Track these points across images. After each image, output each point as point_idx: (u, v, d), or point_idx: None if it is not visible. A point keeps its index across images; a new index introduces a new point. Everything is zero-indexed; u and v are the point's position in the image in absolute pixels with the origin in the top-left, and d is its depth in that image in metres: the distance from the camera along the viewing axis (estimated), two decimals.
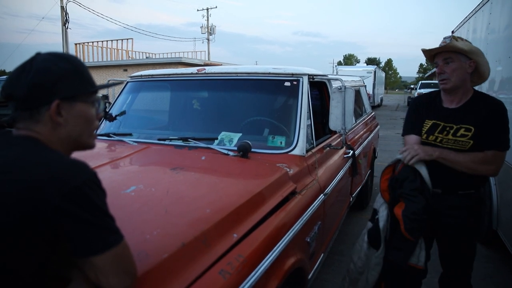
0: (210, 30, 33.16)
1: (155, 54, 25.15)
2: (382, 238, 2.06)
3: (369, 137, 4.73)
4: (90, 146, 1.13)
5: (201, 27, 33.36)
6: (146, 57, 23.65)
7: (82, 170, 0.95)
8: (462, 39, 2.02)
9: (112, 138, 2.65)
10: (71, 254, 0.94)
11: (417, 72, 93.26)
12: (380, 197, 2.14)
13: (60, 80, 1.00)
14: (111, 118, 2.84)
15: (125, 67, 19.99)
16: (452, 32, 7.81)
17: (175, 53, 24.61)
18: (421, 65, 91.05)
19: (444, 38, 2.04)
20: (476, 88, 2.21)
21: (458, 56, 1.98)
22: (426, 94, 2.28)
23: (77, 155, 1.09)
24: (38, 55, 1.03)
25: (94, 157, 2.12)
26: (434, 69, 2.14)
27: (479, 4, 5.14)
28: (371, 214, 2.22)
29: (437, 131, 2.06)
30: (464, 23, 6.35)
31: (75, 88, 1.04)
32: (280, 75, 2.59)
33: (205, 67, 2.86)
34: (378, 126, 5.89)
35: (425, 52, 2.13)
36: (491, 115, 1.95)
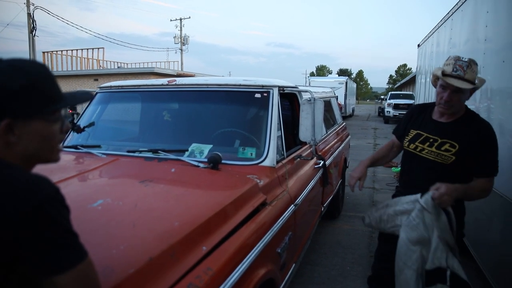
0: (184, 40, 33.08)
1: (127, 63, 24.90)
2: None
3: (340, 147, 4.83)
4: (53, 161, 1.07)
5: (175, 37, 33.23)
6: (118, 67, 23.33)
7: (43, 187, 0.90)
8: (475, 63, 1.97)
9: (80, 150, 2.59)
10: (32, 273, 0.91)
11: (387, 83, 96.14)
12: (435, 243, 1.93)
13: (12, 97, 0.91)
14: (79, 130, 2.78)
15: (96, 76, 19.63)
16: (418, 45, 8.14)
17: (147, 63, 24.46)
18: (390, 76, 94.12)
19: (461, 62, 1.95)
20: None
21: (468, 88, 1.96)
22: (421, 105, 2.35)
23: (42, 167, 1.04)
24: None
25: (61, 170, 2.07)
26: (408, 78, 2.19)
27: (441, 20, 5.40)
28: (428, 279, 1.95)
29: (418, 141, 2.13)
30: (429, 37, 6.64)
31: (29, 107, 0.95)
32: (250, 87, 2.62)
33: (175, 79, 2.86)
34: (349, 136, 6.02)
35: (445, 81, 1.98)
36: (484, 140, 2.00)
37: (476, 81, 1.98)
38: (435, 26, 5.94)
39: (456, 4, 4.45)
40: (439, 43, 5.65)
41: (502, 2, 2.88)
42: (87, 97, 1.19)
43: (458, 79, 1.93)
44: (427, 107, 2.25)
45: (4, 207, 0.84)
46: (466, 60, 1.95)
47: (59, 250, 0.89)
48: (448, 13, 4.93)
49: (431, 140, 2.08)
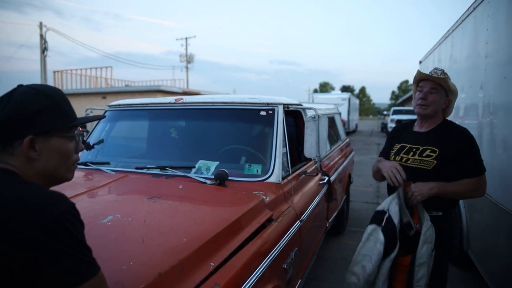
0: (189, 58, 33.56)
1: (134, 82, 25.21)
2: (398, 235, 2.09)
3: (344, 163, 4.85)
4: (67, 179, 1.13)
5: (180, 55, 33.73)
6: (125, 85, 23.65)
7: (60, 202, 0.95)
8: (448, 76, 2.22)
9: (90, 167, 2.64)
10: (46, 286, 0.94)
11: (389, 99, 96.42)
12: (391, 197, 2.19)
13: (35, 115, 1.01)
14: (88, 147, 2.84)
15: (104, 94, 19.89)
16: (420, 62, 8.22)
17: (154, 81, 24.78)
18: (393, 92, 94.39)
19: (436, 69, 2.24)
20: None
21: (442, 90, 2.21)
22: (403, 124, 2.50)
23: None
24: (19, 87, 1.04)
25: (71, 186, 2.11)
26: (410, 94, 2.31)
27: (442, 37, 5.47)
28: (373, 217, 2.23)
29: (402, 152, 2.27)
30: (430, 54, 6.71)
31: (50, 124, 1.04)
32: (256, 105, 2.68)
33: (182, 97, 2.92)
34: (353, 152, 6.04)
35: (420, 74, 2.27)
36: (463, 143, 2.14)
37: (454, 88, 2.20)
38: (436, 43, 6.02)
39: (456, 21, 4.52)
40: (440, 59, 5.71)
41: (501, 20, 2.93)
42: (99, 117, 1.28)
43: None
44: (408, 124, 2.42)
45: (23, 222, 0.88)
46: (440, 69, 2.21)
47: (74, 264, 0.93)
48: (448, 30, 5.00)
49: (414, 149, 2.23)
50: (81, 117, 1.21)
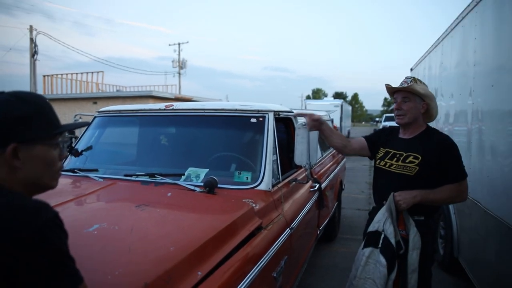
0: (182, 64, 33.54)
1: (125, 87, 25.04)
2: (395, 256, 2.12)
3: (336, 170, 4.86)
4: (52, 187, 1.11)
5: (173, 61, 33.70)
6: (117, 90, 23.48)
7: (42, 211, 0.93)
8: (420, 81, 2.29)
9: (77, 174, 2.61)
10: None
11: (382, 106, 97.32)
12: (382, 214, 2.20)
13: (18, 123, 0.98)
14: (76, 153, 2.80)
15: (95, 99, 19.75)
16: (411, 69, 8.31)
17: (146, 86, 24.64)
18: (385, 99, 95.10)
19: (406, 78, 2.30)
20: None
21: (415, 97, 2.25)
22: (390, 127, 2.56)
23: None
24: (0, 94, 1.02)
25: (57, 194, 2.07)
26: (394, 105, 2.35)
27: (433, 45, 5.54)
28: (367, 239, 2.23)
29: (387, 157, 2.33)
30: (421, 61, 6.79)
31: (34, 132, 1.01)
32: (246, 112, 2.68)
33: (173, 103, 2.91)
34: (345, 159, 6.06)
35: (388, 88, 2.37)
36: (446, 150, 2.19)
37: (424, 91, 2.24)
38: (427, 51, 6.09)
39: (446, 30, 4.58)
40: (431, 66, 5.78)
41: (489, 30, 2.98)
42: (83, 124, 1.26)
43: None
44: (394, 129, 2.47)
45: (4, 232, 0.86)
46: (410, 77, 2.29)
47: (56, 276, 0.91)
48: (438, 38, 5.06)
49: (398, 155, 2.28)
50: (66, 124, 1.18)
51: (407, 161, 2.23)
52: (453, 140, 2.26)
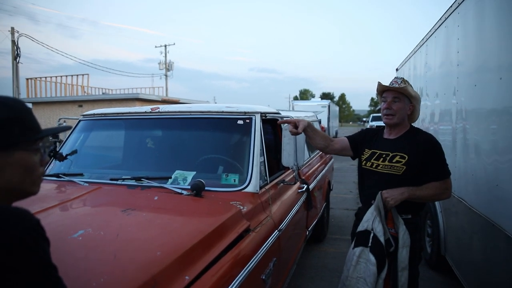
0: (168, 66, 33.28)
1: (112, 90, 24.77)
2: (385, 254, 2.13)
3: (324, 170, 4.88)
4: (33, 194, 1.08)
5: (159, 63, 33.40)
6: (103, 93, 23.23)
7: (23, 219, 0.91)
8: (409, 83, 2.31)
9: (62, 179, 2.57)
10: None
11: (368, 106, 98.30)
12: (370, 213, 2.21)
13: None
14: (61, 158, 2.75)
15: (80, 103, 19.48)
16: (397, 69, 8.40)
17: (132, 89, 24.40)
18: (372, 99, 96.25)
19: (396, 78, 2.32)
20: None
21: (405, 98, 2.29)
22: (375, 129, 2.59)
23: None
24: None
25: (41, 199, 2.04)
26: (381, 104, 2.37)
27: (417, 45, 5.61)
28: (357, 239, 2.24)
29: (373, 158, 2.34)
30: (406, 61, 6.87)
31: (13, 137, 0.98)
32: (233, 114, 2.66)
33: (159, 106, 2.88)
34: (333, 159, 6.09)
35: (380, 85, 2.38)
36: (430, 149, 2.23)
37: (415, 94, 2.28)
38: (412, 51, 6.16)
39: (430, 31, 4.64)
40: (416, 66, 5.85)
41: (471, 30, 3.02)
42: (65, 128, 1.23)
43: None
44: (378, 130, 2.49)
45: None
46: (400, 78, 2.30)
47: (38, 285, 0.89)
48: (423, 39, 5.13)
49: (384, 155, 2.31)
50: (47, 129, 1.15)
51: (393, 160, 2.25)
52: (436, 139, 2.30)
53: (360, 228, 2.24)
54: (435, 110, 4.42)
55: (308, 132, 2.48)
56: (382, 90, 2.37)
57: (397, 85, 2.26)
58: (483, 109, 2.73)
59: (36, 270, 0.89)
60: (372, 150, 2.38)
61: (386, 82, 2.36)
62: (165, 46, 33.74)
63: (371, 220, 2.19)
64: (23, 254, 0.87)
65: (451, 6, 3.59)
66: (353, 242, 2.29)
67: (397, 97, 2.28)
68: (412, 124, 2.42)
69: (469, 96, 3.06)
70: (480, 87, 2.78)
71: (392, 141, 2.34)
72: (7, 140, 0.97)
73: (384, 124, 2.44)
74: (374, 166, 2.32)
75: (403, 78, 2.32)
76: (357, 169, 2.57)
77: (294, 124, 2.36)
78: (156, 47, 34.32)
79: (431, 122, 4.61)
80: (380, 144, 2.37)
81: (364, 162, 2.40)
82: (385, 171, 2.27)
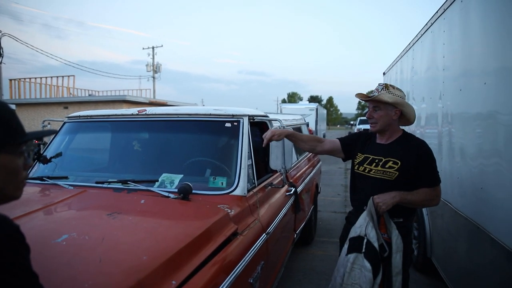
0: (156, 68, 33.04)
1: (98, 91, 24.44)
2: (380, 259, 2.12)
3: (312, 173, 4.89)
4: (15, 198, 1.05)
5: (147, 65, 33.12)
6: (89, 95, 22.92)
7: (0, 226, 0.88)
8: (393, 87, 2.31)
9: (46, 182, 2.51)
10: None
11: (356, 109, 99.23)
12: (363, 218, 2.20)
13: None
14: (45, 160, 2.70)
15: (65, 104, 19.19)
16: (384, 73, 8.49)
17: (119, 90, 24.13)
18: (359, 102, 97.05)
19: (378, 85, 2.33)
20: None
21: (385, 105, 2.28)
22: (368, 133, 2.57)
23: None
24: None
25: (24, 203, 1.99)
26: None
27: (404, 50, 5.69)
28: (350, 245, 2.23)
29: (366, 163, 2.35)
30: (393, 65, 6.95)
31: None
32: (220, 116, 2.65)
33: (145, 108, 2.85)
34: (320, 162, 6.11)
35: (357, 96, 2.42)
36: (423, 156, 2.24)
37: (392, 100, 2.24)
38: (398, 55, 6.24)
39: (416, 36, 4.71)
40: (403, 71, 5.93)
41: (456, 36, 3.07)
42: (51, 131, 1.20)
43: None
44: (371, 134, 2.49)
45: None
46: (382, 84, 2.32)
47: None
48: (409, 43, 5.20)
49: (377, 160, 2.31)
50: (31, 132, 1.12)
51: (386, 166, 2.26)
52: (428, 145, 2.32)
53: (353, 234, 2.24)
54: (421, 114, 4.48)
55: (292, 139, 2.53)
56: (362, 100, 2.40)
57: (377, 93, 2.27)
58: (468, 113, 2.77)
59: (15, 279, 0.85)
60: (365, 155, 2.38)
61: (373, 87, 2.38)
62: (153, 48, 33.49)
63: (364, 226, 2.19)
64: (1, 263, 0.84)
65: (437, 12, 3.64)
66: (346, 249, 2.27)
67: (376, 106, 2.29)
68: (404, 130, 2.42)
69: (455, 100, 3.11)
70: (465, 91, 2.82)
71: (385, 146, 2.34)
72: None
73: None
74: (366, 171, 2.33)
75: (385, 84, 2.33)
76: (350, 173, 2.58)
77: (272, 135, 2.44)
78: (143, 49, 34.02)
79: (418, 126, 4.67)
80: (373, 149, 2.38)
81: (357, 166, 2.41)
82: (378, 176, 2.27)
